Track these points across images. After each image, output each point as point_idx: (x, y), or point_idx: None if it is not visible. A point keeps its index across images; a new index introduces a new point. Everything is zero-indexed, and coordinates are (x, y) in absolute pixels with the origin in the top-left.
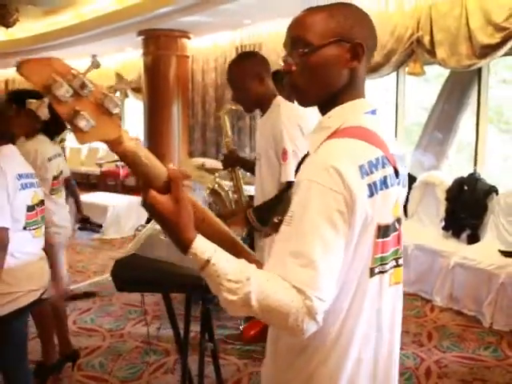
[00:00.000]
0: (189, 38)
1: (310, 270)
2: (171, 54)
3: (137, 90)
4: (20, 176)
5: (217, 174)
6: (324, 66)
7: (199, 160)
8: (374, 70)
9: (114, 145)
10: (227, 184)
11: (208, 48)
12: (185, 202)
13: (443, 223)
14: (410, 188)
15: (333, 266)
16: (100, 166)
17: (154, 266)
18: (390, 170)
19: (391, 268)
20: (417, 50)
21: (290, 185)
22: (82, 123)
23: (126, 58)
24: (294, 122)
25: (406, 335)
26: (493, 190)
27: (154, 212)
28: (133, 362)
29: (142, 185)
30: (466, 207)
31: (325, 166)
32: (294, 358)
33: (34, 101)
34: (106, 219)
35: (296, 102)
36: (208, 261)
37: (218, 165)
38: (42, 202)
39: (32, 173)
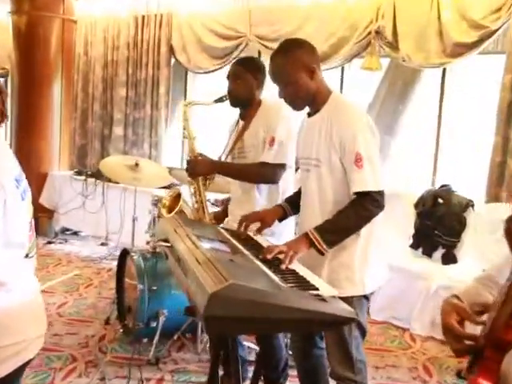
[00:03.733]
0: None
1: None
2: (54, 17)
3: None
4: (18, 181)
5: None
6: None
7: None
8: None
9: None
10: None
11: (96, 14)
12: None
13: (411, 240)
14: None
15: None
16: None
17: (273, 302)
18: None
19: None
20: (374, 42)
21: (366, 195)
22: None
23: None
24: (365, 123)
25: (402, 371)
26: (470, 204)
27: None
28: None
29: None
30: (441, 223)
31: None
32: None
33: None
34: None
35: None
36: None
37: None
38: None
39: (22, 172)
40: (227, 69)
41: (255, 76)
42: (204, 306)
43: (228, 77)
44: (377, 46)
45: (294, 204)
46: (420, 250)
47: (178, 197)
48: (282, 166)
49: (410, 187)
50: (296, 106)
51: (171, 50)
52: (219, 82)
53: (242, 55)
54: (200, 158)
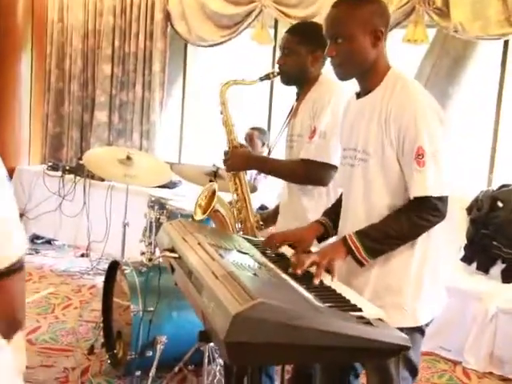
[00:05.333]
0: None
1: None
2: None
3: None
4: (7, 175)
5: (211, 184)
6: None
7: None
8: None
9: None
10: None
11: None
12: None
13: (462, 253)
14: None
15: None
16: None
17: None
18: None
19: None
20: (419, 8)
21: (425, 200)
22: None
23: None
24: (433, 109)
25: None
26: None
27: None
28: None
29: None
30: (500, 232)
31: None
32: None
33: None
34: None
35: None
36: None
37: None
38: None
39: None
40: (235, 41)
41: (312, 49)
42: (226, 330)
43: (280, 48)
44: (423, 13)
45: (336, 219)
46: (474, 264)
47: (213, 194)
48: (329, 165)
49: (461, 188)
50: (343, 72)
51: (167, 18)
52: (227, 57)
53: (256, 24)
54: (240, 149)
